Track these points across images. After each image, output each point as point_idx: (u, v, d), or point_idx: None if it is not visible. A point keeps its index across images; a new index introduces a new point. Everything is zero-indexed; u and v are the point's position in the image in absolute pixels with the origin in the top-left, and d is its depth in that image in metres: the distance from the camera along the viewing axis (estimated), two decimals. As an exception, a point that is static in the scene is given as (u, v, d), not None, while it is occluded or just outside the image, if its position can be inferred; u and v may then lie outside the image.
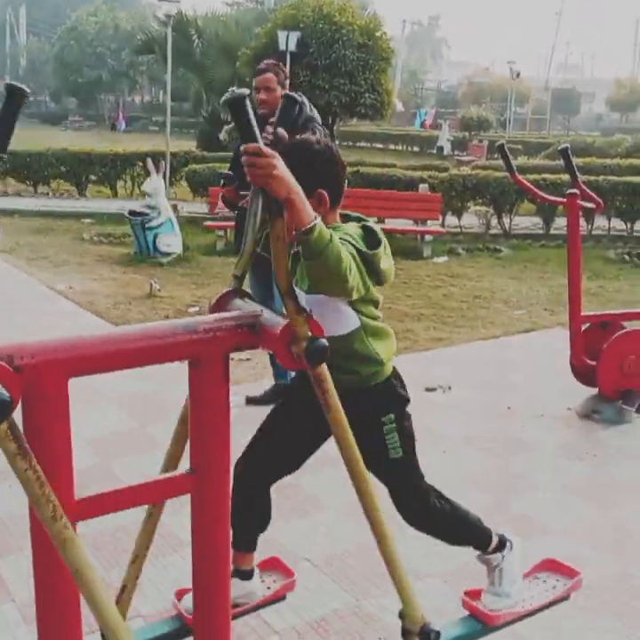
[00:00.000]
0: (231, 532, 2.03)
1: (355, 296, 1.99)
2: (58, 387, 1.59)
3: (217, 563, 2.03)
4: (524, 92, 47.54)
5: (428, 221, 10.39)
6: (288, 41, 16.73)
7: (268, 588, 2.51)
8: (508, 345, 5.98)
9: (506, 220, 11.28)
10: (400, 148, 33.31)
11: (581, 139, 27.18)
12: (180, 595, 2.42)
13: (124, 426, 4.25)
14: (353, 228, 2.08)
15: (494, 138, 25.67)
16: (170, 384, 4.75)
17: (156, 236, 8.76)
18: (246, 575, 2.41)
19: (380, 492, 2.04)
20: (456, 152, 27.75)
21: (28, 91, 1.47)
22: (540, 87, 54.55)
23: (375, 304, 2.18)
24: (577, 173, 4.39)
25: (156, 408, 4.49)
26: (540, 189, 6.68)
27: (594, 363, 4.48)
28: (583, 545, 3.17)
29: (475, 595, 2.49)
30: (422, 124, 40.82)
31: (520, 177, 4.72)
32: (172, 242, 8.87)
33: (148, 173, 9.73)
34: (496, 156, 15.45)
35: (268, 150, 1.55)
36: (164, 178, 10.47)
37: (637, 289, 8.10)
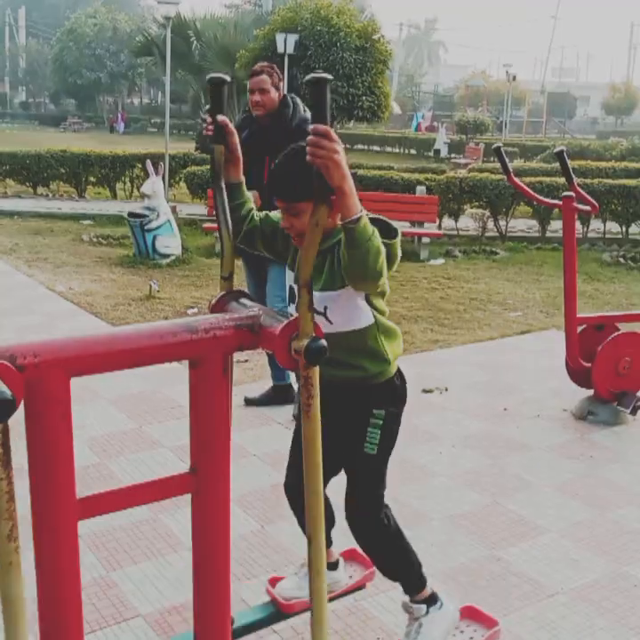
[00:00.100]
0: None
1: (380, 289, 2.07)
2: (60, 386, 1.61)
3: (217, 562, 2.05)
4: (520, 96, 47.64)
5: (425, 224, 10.43)
6: (286, 43, 16.78)
7: (351, 576, 2.72)
8: (504, 347, 6.02)
9: (502, 223, 11.31)
10: (397, 150, 33.36)
11: (577, 142, 27.27)
12: (273, 582, 2.64)
13: (122, 426, 4.27)
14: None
15: (491, 141, 25.67)
16: (167, 384, 4.78)
17: (154, 238, 8.78)
18: (330, 567, 2.58)
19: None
20: (453, 155, 27.79)
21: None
22: (536, 90, 54.66)
23: (383, 295, 2.24)
24: (573, 176, 4.42)
25: (153, 408, 4.52)
26: (537, 192, 6.72)
27: (589, 364, 4.51)
28: (579, 545, 3.20)
29: None
30: (417, 127, 40.92)
31: (516, 179, 4.75)
32: (170, 243, 8.89)
33: (147, 175, 9.75)
34: (492, 158, 15.48)
35: (334, 135, 1.62)
36: (163, 180, 10.49)
37: (632, 291, 8.14)
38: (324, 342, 1.78)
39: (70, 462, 1.68)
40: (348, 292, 2.13)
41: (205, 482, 1.88)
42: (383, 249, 1.89)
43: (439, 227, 11.20)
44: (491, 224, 11.29)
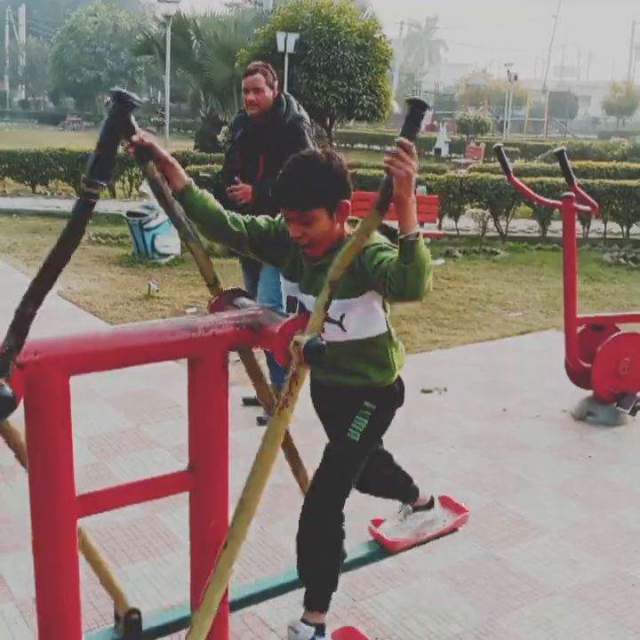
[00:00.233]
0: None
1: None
2: (60, 383, 1.61)
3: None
4: (521, 95, 47.65)
5: (425, 224, 10.41)
6: (286, 42, 16.77)
7: (445, 521, 2.82)
8: (504, 347, 6.01)
9: (502, 223, 11.31)
10: (398, 150, 33.31)
11: (578, 142, 27.27)
12: (376, 523, 2.77)
13: (120, 425, 4.26)
14: (377, 234, 2.14)
15: (492, 140, 25.68)
16: (166, 383, 4.78)
17: (154, 237, 8.77)
18: (425, 507, 2.73)
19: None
20: (453, 154, 27.78)
21: (140, 101, 1.55)
22: (537, 90, 54.67)
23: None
24: (573, 176, 4.42)
25: (151, 407, 4.51)
26: (537, 192, 6.72)
27: (589, 365, 4.51)
28: (577, 546, 3.20)
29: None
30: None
31: (516, 179, 4.74)
32: (170, 243, 8.88)
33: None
34: (493, 158, 15.47)
35: (415, 153, 1.75)
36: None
37: (633, 292, 8.14)
38: (323, 342, 1.78)
39: (70, 459, 1.68)
40: (366, 299, 2.14)
41: (203, 480, 1.88)
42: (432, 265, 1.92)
43: (439, 227, 11.20)
44: (491, 224, 11.29)
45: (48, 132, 34.99)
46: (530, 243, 11.07)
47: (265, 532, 3.18)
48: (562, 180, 9.89)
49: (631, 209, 10.81)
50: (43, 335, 1.60)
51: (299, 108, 4.23)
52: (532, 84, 58.35)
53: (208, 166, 11.41)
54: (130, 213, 8.96)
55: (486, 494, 3.60)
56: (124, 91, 1.54)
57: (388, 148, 1.80)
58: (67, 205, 12.95)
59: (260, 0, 28.14)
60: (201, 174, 6.77)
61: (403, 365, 2.37)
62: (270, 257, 2.32)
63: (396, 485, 2.68)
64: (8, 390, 1.42)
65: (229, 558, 1.79)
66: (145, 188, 9.22)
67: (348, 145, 32.91)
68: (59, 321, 6.12)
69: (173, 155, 11.08)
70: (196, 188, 2.09)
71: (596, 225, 11.47)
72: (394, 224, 1.95)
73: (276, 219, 2.26)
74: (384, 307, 2.23)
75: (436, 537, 2.83)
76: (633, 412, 4.48)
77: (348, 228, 2.19)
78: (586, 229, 11.33)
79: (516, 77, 36.70)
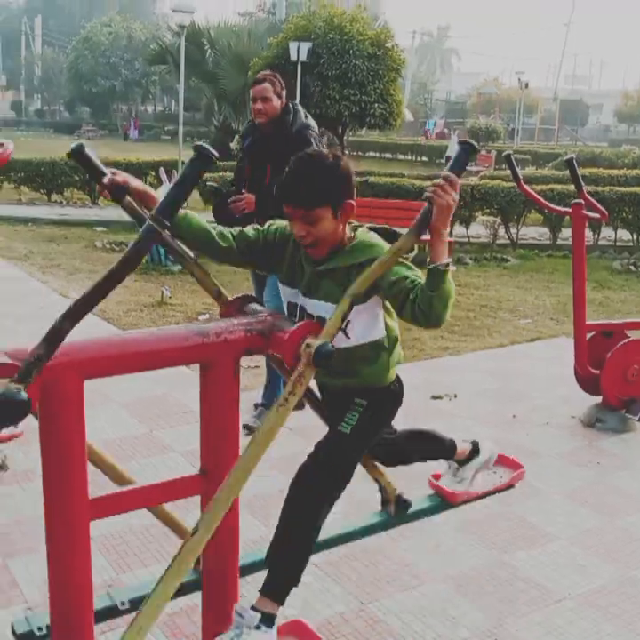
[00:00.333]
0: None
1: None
2: (74, 387, 1.66)
3: (226, 561, 2.09)
4: (532, 103, 47.61)
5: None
6: (299, 51, 16.88)
7: (501, 477, 2.92)
8: (514, 354, 6.02)
9: (513, 230, 11.32)
10: (409, 157, 33.41)
11: (589, 149, 27.23)
12: (436, 477, 2.86)
13: (133, 430, 4.31)
14: (382, 242, 2.16)
15: (503, 148, 25.70)
16: (179, 389, 4.82)
17: (167, 245, 8.83)
18: (471, 455, 2.82)
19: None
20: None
21: (216, 155, 1.64)
22: (548, 98, 54.61)
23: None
24: (582, 184, 4.44)
25: (165, 412, 4.56)
26: (548, 200, 6.75)
27: (598, 371, 4.52)
28: (587, 552, 3.20)
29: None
30: (425, 134, 40.98)
31: (527, 187, 4.77)
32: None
33: (160, 182, 9.83)
34: (504, 166, 15.47)
35: (459, 188, 1.89)
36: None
37: (644, 299, 8.13)
38: (333, 349, 1.82)
39: (83, 462, 1.72)
40: (371, 305, 2.16)
41: (215, 484, 1.91)
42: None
43: (450, 234, 11.10)
44: (502, 231, 11.29)
45: (63, 141, 35.27)
46: (540, 250, 11.08)
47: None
48: (573, 187, 9.88)
49: (641, 216, 10.79)
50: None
51: (306, 117, 4.27)
52: (544, 92, 58.28)
53: (221, 174, 11.50)
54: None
55: (495, 500, 3.60)
56: (205, 145, 1.65)
57: (433, 182, 1.90)
58: (81, 214, 13.09)
59: (273, 10, 28.34)
60: (208, 184, 6.82)
61: (399, 361, 2.36)
62: (263, 265, 2.31)
63: (423, 452, 2.74)
64: (24, 395, 1.46)
65: (195, 548, 1.75)
66: (159, 195, 9.31)
67: (359, 153, 33.00)
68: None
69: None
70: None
71: (607, 232, 11.46)
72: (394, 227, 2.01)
73: (265, 227, 2.25)
74: (387, 310, 2.25)
75: (494, 492, 2.93)
76: (642, 419, 4.48)
77: (348, 231, 2.19)
78: (596, 237, 11.33)
79: (526, 85, 36.71)
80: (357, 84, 17.57)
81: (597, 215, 4.59)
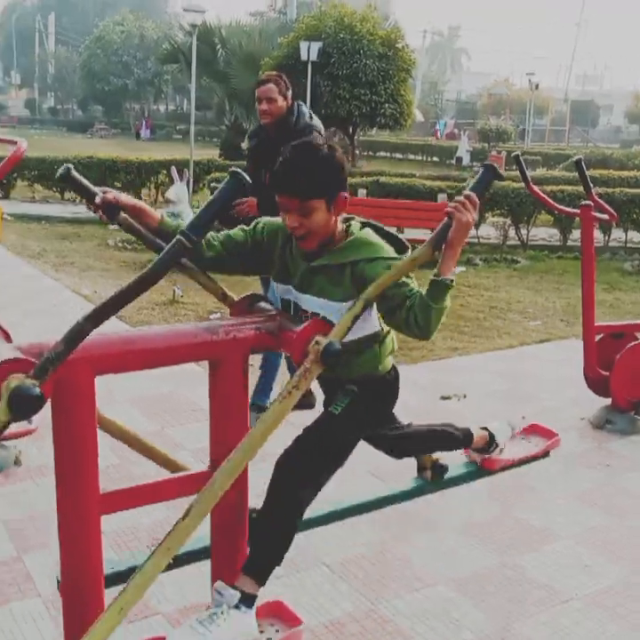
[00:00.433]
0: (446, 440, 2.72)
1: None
2: (86, 383, 1.68)
3: (237, 556, 2.11)
4: (543, 104, 47.45)
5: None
6: (310, 51, 16.90)
7: (536, 445, 3.04)
8: (523, 355, 6.02)
9: (523, 231, 11.30)
10: (420, 158, 33.39)
11: (600, 151, 27.12)
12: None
13: (143, 427, 4.33)
14: (380, 241, 2.15)
15: (513, 149, 25.64)
16: (189, 386, 4.85)
17: (178, 243, 8.86)
18: (483, 452, 2.86)
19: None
20: (475, 163, 27.73)
21: (249, 182, 1.71)
22: (559, 99, 54.42)
23: None
24: (590, 185, 4.44)
25: (175, 410, 4.58)
26: (558, 201, 6.74)
27: (607, 373, 4.52)
28: (594, 553, 3.21)
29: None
30: (434, 134, 40.93)
31: (535, 188, 4.77)
32: (193, 249, 8.97)
33: (171, 181, 9.87)
34: (514, 167, 15.48)
35: (478, 207, 1.95)
36: (188, 186, 10.61)
37: (655, 301, 8.10)
38: (340, 348, 1.84)
39: (94, 457, 1.74)
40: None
41: (224, 479, 1.94)
42: None
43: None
44: (512, 232, 11.28)
45: (76, 139, 35.46)
46: (550, 251, 11.05)
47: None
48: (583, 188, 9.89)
49: (652, 218, 10.76)
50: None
51: (311, 117, 4.26)
52: (555, 92, 58.10)
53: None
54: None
55: (503, 502, 3.62)
56: (240, 171, 1.72)
57: (456, 197, 1.95)
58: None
59: (284, 9, 28.39)
60: (212, 185, 6.87)
61: (394, 351, 2.35)
62: (255, 266, 2.27)
63: (435, 446, 2.76)
64: (37, 390, 1.49)
65: (183, 534, 1.77)
66: (171, 194, 9.34)
67: (370, 153, 33.00)
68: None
69: (199, 162, 11.23)
70: (168, 220, 2.13)
71: (617, 234, 11.42)
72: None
73: (251, 226, 2.23)
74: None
75: (530, 460, 3.02)
76: (652, 421, 4.48)
77: (340, 226, 2.15)
78: (606, 238, 11.29)
79: (537, 86, 36.59)
80: (368, 84, 17.58)
81: (606, 216, 4.59)
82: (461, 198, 1.93)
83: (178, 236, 1.60)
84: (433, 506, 3.45)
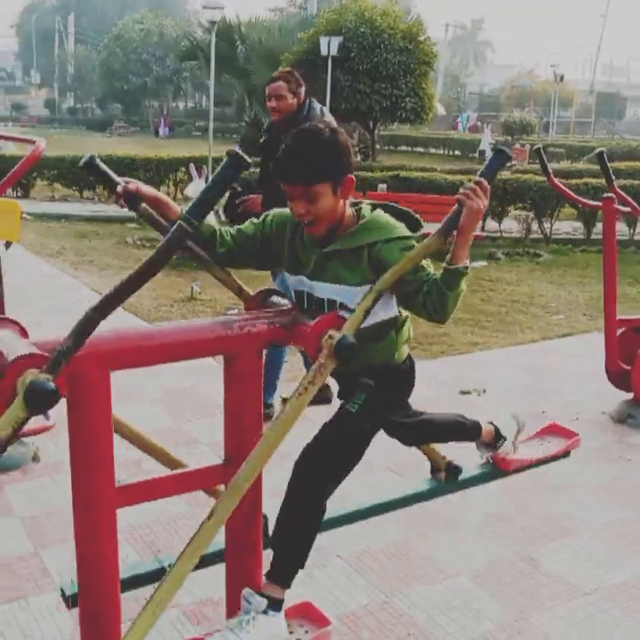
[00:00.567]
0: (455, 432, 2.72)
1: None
2: (101, 378, 1.69)
3: (251, 551, 2.12)
4: (567, 96, 46.96)
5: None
6: (330, 46, 16.85)
7: (556, 445, 3.01)
8: (545, 349, 5.97)
9: (546, 225, 11.19)
10: (441, 152, 33.20)
11: (626, 143, 26.79)
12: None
13: (160, 422, 4.36)
14: (393, 220, 2.12)
15: (537, 142, 25.37)
16: (206, 381, 4.87)
17: (197, 240, 8.90)
18: (490, 447, 2.85)
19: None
20: (498, 156, 27.50)
21: (249, 162, 1.70)
22: (584, 90, 53.81)
23: None
24: (612, 178, 4.39)
25: (192, 404, 4.60)
26: (582, 194, 6.67)
27: (629, 367, 4.47)
28: (615, 546, 3.18)
29: None
30: (455, 126, 40.63)
31: (557, 180, 4.72)
32: (212, 245, 9.01)
33: (190, 178, 9.91)
34: (537, 160, 15.34)
35: (489, 193, 1.93)
36: (207, 182, 10.64)
37: (680, 295, 7.99)
38: (354, 342, 1.83)
39: (110, 451, 1.75)
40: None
41: (238, 473, 1.94)
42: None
43: (482, 228, 11.12)
44: (535, 226, 11.18)
45: (96, 138, 35.74)
46: (574, 245, 10.94)
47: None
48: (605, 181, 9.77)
49: (679, 210, 10.60)
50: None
51: (323, 114, 4.25)
52: (580, 84, 57.49)
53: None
54: (174, 217, 9.11)
55: (522, 495, 3.60)
56: (238, 151, 1.69)
57: (466, 184, 1.93)
58: (113, 210, 13.23)
59: (304, 4, 28.37)
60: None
61: (410, 340, 2.31)
62: (266, 259, 2.23)
63: (446, 435, 2.76)
64: (52, 384, 1.50)
65: (208, 535, 1.79)
66: (189, 191, 9.39)
67: (391, 147, 32.88)
68: (103, 321, 6.29)
69: (217, 159, 11.25)
70: None
71: (643, 227, 11.29)
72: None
73: (260, 219, 2.21)
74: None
75: (549, 460, 2.99)
76: (675, 416, 4.41)
77: (349, 209, 2.12)
78: (631, 231, 11.15)
79: (562, 78, 36.24)
80: (388, 78, 17.49)
81: (628, 209, 4.53)
82: (472, 184, 1.90)
83: (178, 221, 1.59)
84: (452, 505, 3.43)
